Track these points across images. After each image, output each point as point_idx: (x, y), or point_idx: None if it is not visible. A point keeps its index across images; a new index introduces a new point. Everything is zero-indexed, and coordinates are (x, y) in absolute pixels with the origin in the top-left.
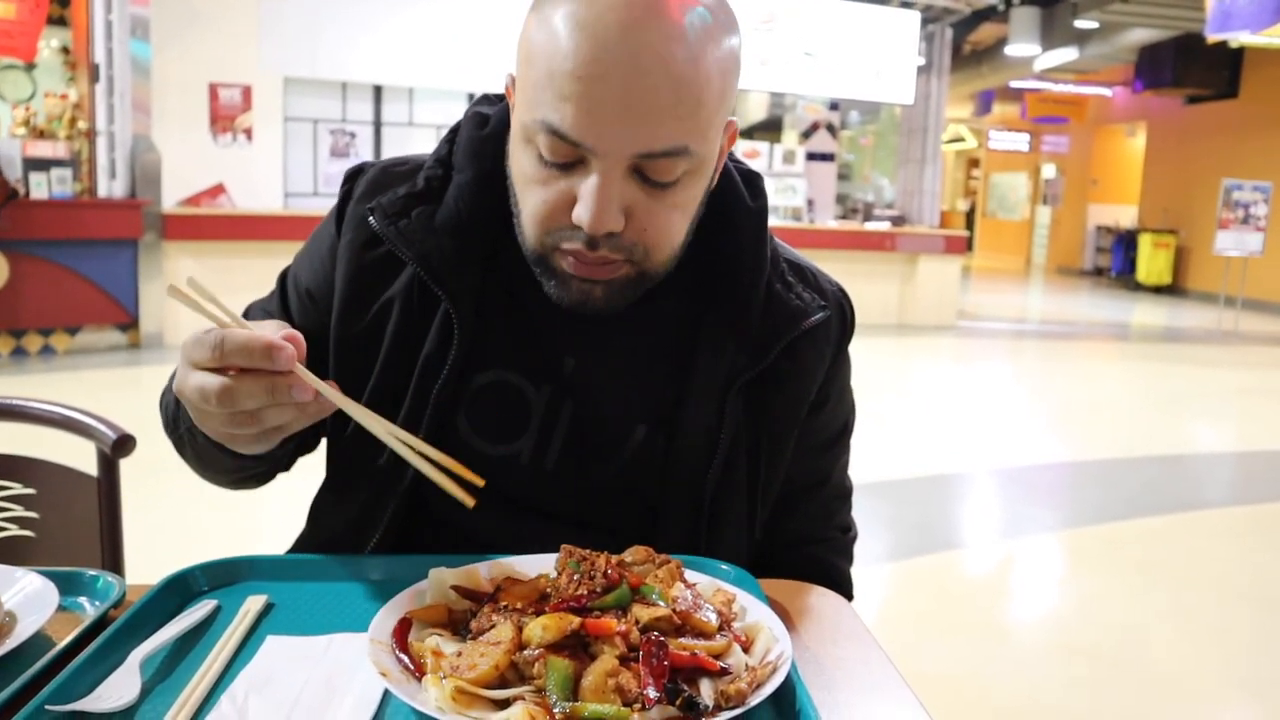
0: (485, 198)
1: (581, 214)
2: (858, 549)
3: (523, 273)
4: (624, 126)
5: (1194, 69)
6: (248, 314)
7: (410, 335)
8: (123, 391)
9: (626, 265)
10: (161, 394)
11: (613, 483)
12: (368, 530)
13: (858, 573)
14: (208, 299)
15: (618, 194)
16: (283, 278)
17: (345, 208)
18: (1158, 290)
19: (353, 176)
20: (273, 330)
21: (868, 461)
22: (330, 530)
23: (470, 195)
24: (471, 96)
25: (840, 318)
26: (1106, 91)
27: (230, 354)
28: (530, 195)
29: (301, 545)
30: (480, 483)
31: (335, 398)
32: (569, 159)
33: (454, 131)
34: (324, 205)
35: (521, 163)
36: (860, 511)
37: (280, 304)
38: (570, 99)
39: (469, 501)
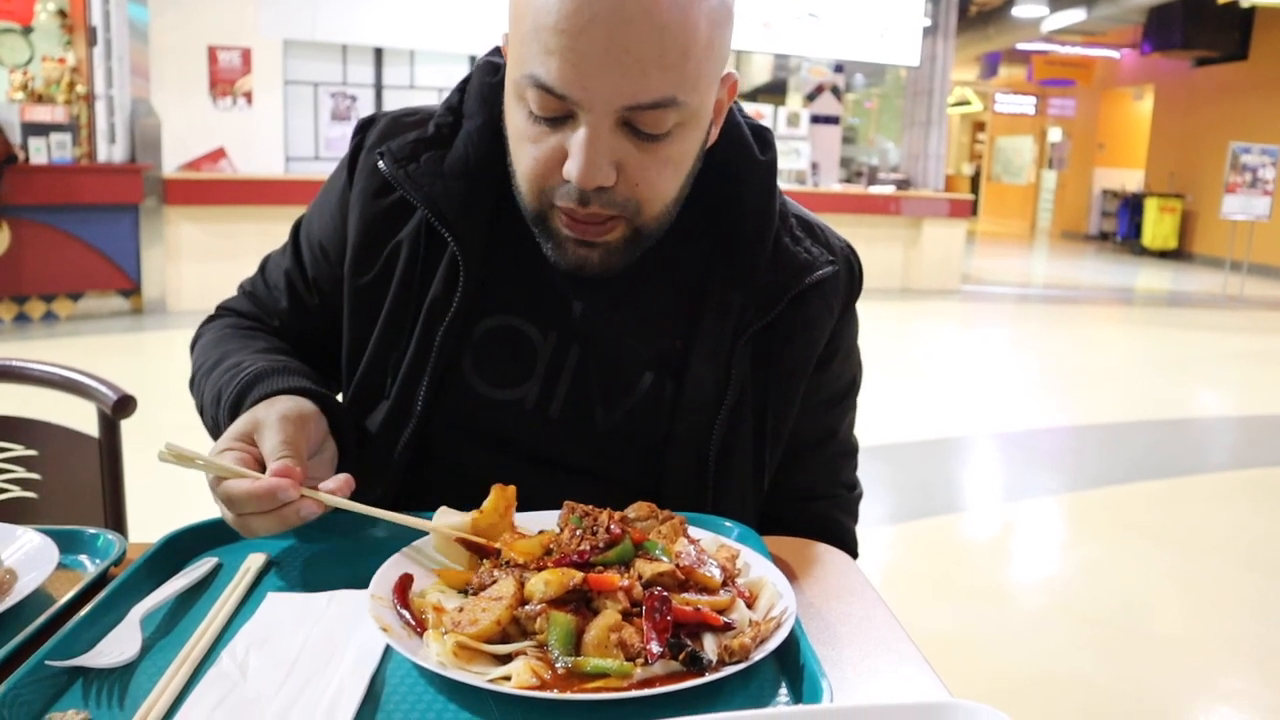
0: (495, 143)
1: (571, 169)
2: (861, 510)
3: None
4: (609, 78)
5: (1203, 30)
6: (263, 267)
7: (417, 279)
8: (126, 357)
9: (621, 224)
10: (190, 381)
11: (618, 430)
12: (374, 479)
13: (860, 534)
14: (193, 456)
15: (607, 148)
16: (296, 228)
17: (357, 157)
18: (1163, 255)
19: (364, 127)
20: (271, 442)
21: (871, 424)
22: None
23: (480, 141)
24: (473, 59)
25: (848, 273)
26: (1114, 54)
27: (239, 508)
28: (523, 152)
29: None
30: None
31: (343, 504)
32: (557, 113)
33: (466, 80)
34: (325, 169)
35: (514, 120)
36: (863, 474)
37: (293, 256)
38: (555, 52)
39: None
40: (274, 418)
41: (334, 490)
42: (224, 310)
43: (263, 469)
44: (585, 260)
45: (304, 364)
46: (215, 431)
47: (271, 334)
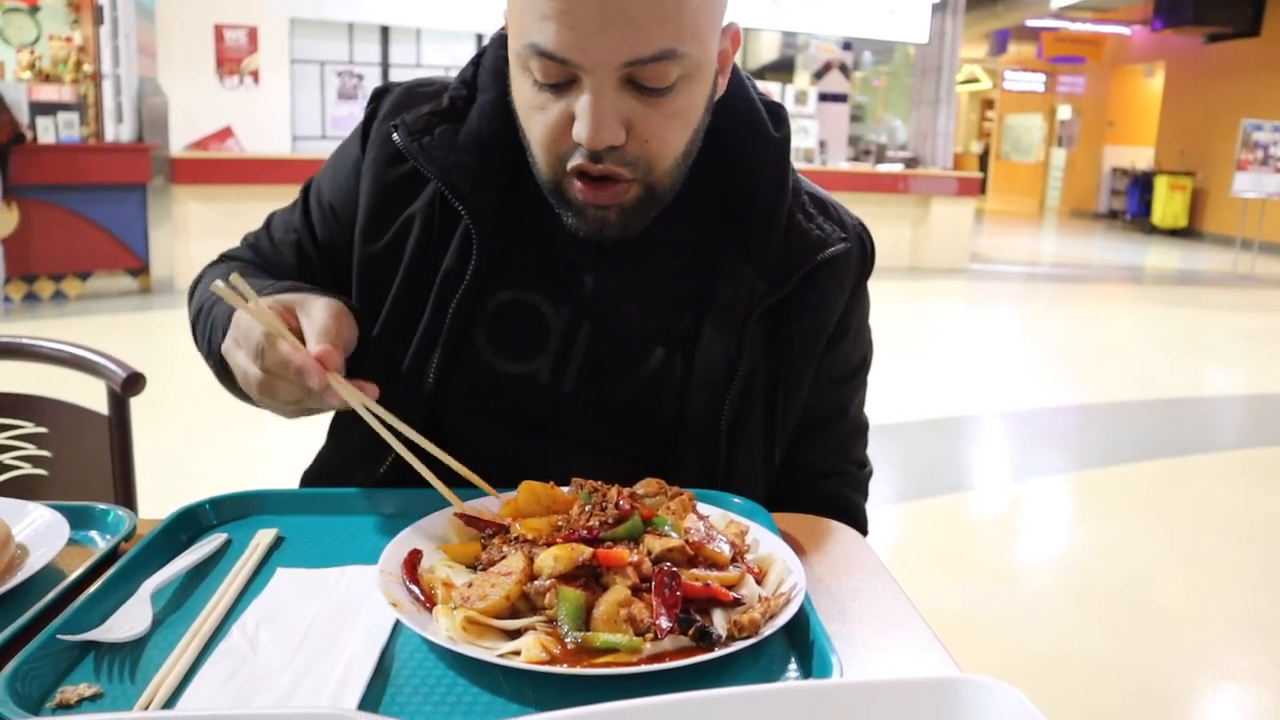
0: (508, 117)
1: (580, 131)
2: (870, 488)
3: (546, 197)
4: (607, 36)
5: (1215, 6)
6: (269, 223)
7: (430, 251)
8: (134, 335)
9: (635, 185)
10: (193, 320)
11: (630, 405)
12: (384, 448)
13: (869, 512)
14: (250, 299)
15: (613, 106)
16: (306, 189)
17: (371, 125)
18: (1173, 233)
19: (379, 95)
20: (318, 323)
21: (879, 403)
22: (348, 447)
23: (493, 114)
24: (480, 37)
25: (860, 251)
26: (1125, 30)
27: (270, 367)
28: (533, 122)
29: (321, 461)
30: (492, 492)
31: (367, 402)
32: (561, 79)
33: (480, 53)
34: (332, 148)
35: (521, 91)
36: (871, 453)
37: (303, 215)
38: (552, 18)
39: (456, 502)
40: (323, 301)
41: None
42: (227, 257)
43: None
44: (604, 222)
45: None
46: (219, 367)
47: None
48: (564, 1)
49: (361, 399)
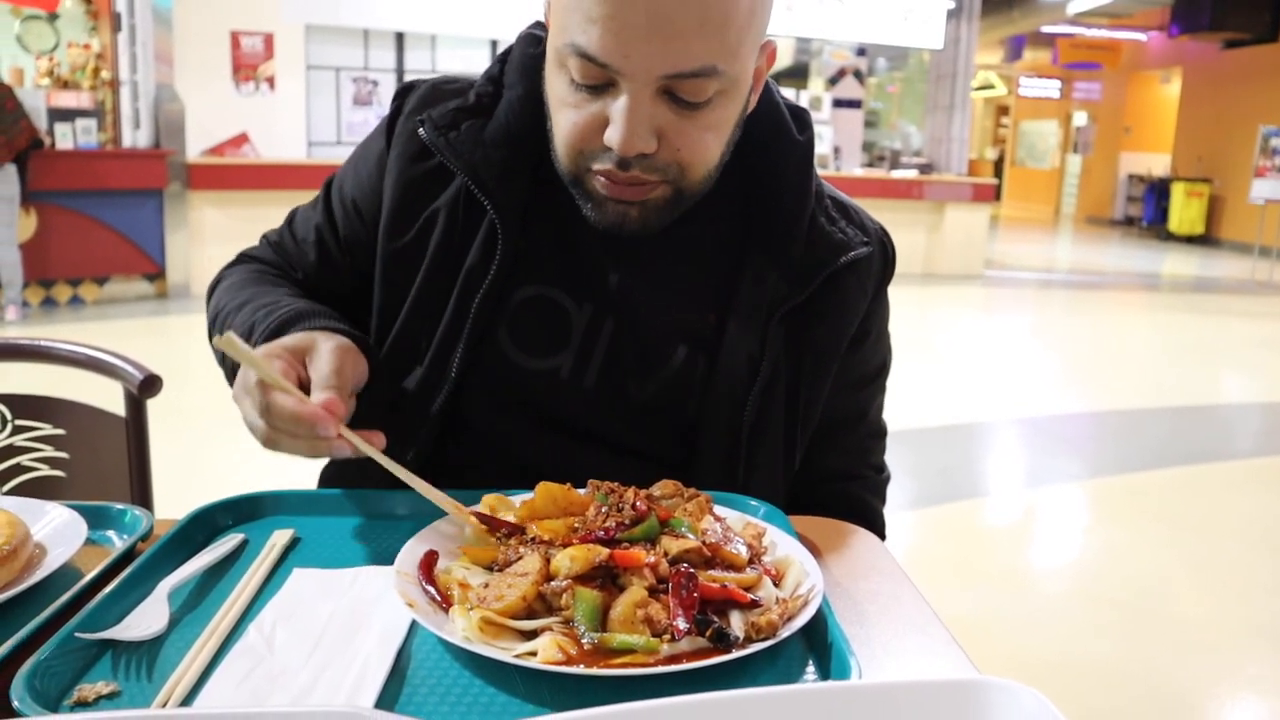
0: (535, 114)
1: (612, 136)
2: (888, 493)
3: (569, 190)
4: (650, 47)
5: (1232, 12)
6: (291, 220)
7: (455, 247)
8: (151, 339)
9: (663, 185)
10: (210, 323)
11: (651, 403)
12: (405, 445)
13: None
14: (249, 353)
15: (648, 115)
16: (327, 186)
17: (396, 122)
18: (1190, 240)
19: (404, 92)
20: (324, 369)
21: (893, 409)
22: None
23: (520, 111)
24: (495, 44)
25: (882, 255)
26: (1141, 36)
27: (277, 422)
28: (563, 118)
29: (338, 462)
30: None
31: (375, 455)
32: (599, 81)
33: (507, 51)
34: (347, 154)
35: (555, 86)
36: (886, 458)
37: (325, 212)
38: (597, 21)
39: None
40: (331, 345)
41: (368, 442)
42: (246, 257)
43: (303, 388)
44: (624, 217)
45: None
46: (234, 376)
47: (296, 285)
48: (612, 6)
49: (370, 449)
